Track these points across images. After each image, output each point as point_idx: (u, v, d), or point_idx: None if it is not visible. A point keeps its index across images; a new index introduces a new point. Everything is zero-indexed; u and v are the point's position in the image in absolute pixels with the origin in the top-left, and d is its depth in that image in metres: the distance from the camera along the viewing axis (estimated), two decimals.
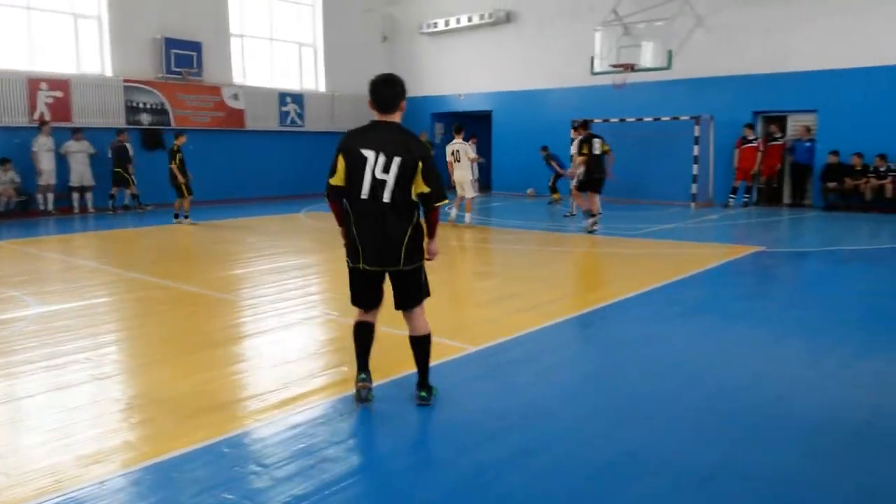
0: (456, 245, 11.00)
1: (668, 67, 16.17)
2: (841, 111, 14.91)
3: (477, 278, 8.24)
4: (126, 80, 16.58)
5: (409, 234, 3.94)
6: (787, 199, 16.35)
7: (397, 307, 4.20)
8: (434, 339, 5.47)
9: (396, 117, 4.01)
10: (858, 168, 14.63)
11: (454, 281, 8.01)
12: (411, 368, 4.68)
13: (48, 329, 5.84)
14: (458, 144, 13.08)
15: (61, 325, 5.99)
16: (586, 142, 12.10)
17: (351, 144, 3.92)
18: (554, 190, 17.53)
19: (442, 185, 4.02)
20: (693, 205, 16.08)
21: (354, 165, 3.87)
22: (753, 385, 4.45)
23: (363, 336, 4.24)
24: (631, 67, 16.49)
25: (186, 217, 13.74)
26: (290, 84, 20.55)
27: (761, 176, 16.09)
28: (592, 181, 12.11)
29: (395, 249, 3.91)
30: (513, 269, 8.83)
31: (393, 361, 4.87)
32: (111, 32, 16.46)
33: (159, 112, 17.25)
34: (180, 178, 13.53)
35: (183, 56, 17.39)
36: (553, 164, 17.33)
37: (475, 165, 13.27)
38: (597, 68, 17.00)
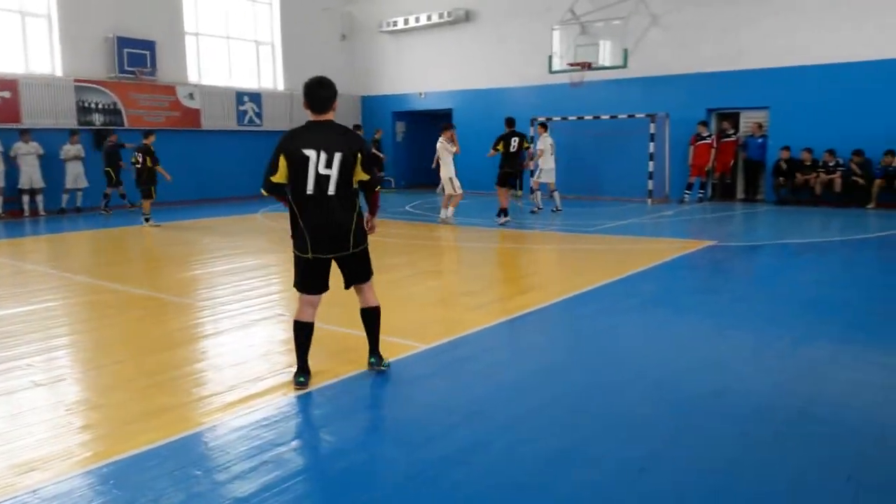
0: (410, 244, 11.00)
1: (624, 66, 16.40)
2: (791, 108, 15.28)
3: (430, 277, 8.26)
4: (77, 80, 16.21)
5: (354, 220, 4.29)
6: (740, 194, 16.71)
7: (348, 286, 4.58)
8: (385, 338, 5.50)
9: (330, 116, 4.28)
10: (808, 163, 15.02)
11: (407, 280, 8.02)
12: (360, 369, 4.71)
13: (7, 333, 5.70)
14: (438, 143, 13.41)
15: (3, 331, 5.84)
16: (505, 139, 12.67)
17: (292, 146, 4.17)
18: (514, 185, 17.61)
19: (375, 171, 4.40)
20: (649, 201, 16.33)
21: (298, 165, 4.14)
22: (694, 377, 4.55)
23: (305, 334, 4.43)
24: (588, 66, 16.68)
25: (148, 220, 13.47)
26: (248, 83, 20.31)
27: (715, 172, 16.41)
28: (507, 176, 12.82)
29: (344, 236, 4.27)
30: (466, 267, 8.87)
31: (342, 362, 4.87)
32: (61, 31, 16.08)
33: (112, 112, 16.90)
34: (158, 179, 13.49)
35: (136, 55, 17.06)
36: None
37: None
38: (554, 67, 17.17)
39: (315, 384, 4.45)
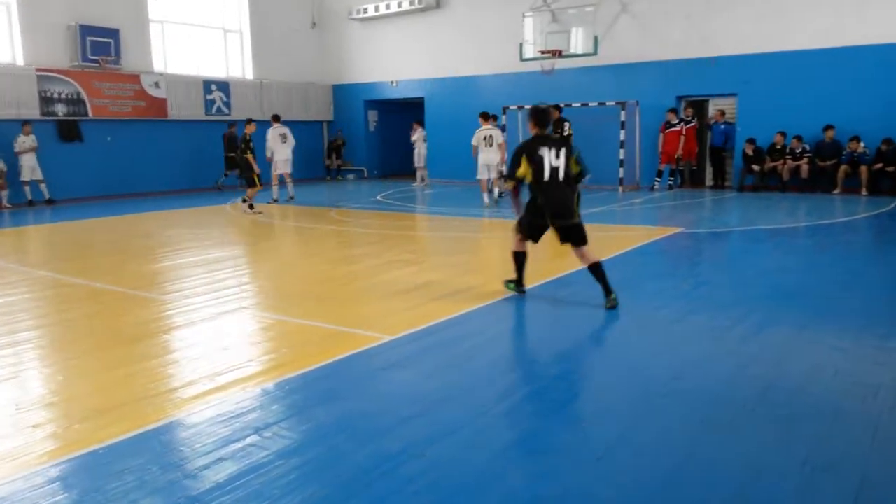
0: (379, 234, 10.93)
1: (595, 53, 16.39)
2: (759, 95, 15.42)
3: (398, 266, 8.20)
4: (39, 70, 15.83)
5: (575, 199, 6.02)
6: (708, 181, 16.86)
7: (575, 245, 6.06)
8: (348, 330, 5.48)
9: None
10: (780, 147, 15.15)
11: (374, 269, 7.96)
12: (322, 361, 4.67)
13: None
14: (491, 130, 13.49)
15: None
16: (560, 125, 13.40)
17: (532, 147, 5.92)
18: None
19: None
20: (620, 189, 16.39)
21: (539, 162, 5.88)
22: (653, 362, 4.57)
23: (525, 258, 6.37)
24: (559, 53, 16.66)
25: (252, 207, 13.49)
26: (216, 71, 20.00)
27: (682, 159, 16.52)
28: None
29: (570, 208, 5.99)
30: (434, 256, 8.83)
31: (303, 354, 4.82)
32: (21, 19, 15.68)
33: (75, 102, 16.54)
34: (255, 169, 13.41)
35: (99, 43, 16.71)
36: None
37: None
38: (526, 55, 17.12)
39: (275, 377, 4.39)
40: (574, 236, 6.01)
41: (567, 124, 13.19)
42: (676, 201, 14.35)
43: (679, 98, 16.77)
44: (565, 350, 4.96)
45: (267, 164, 15.08)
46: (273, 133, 15.09)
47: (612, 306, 5.82)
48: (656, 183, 16.54)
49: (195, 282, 7.58)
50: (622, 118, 16.16)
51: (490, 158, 13.37)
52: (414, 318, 5.72)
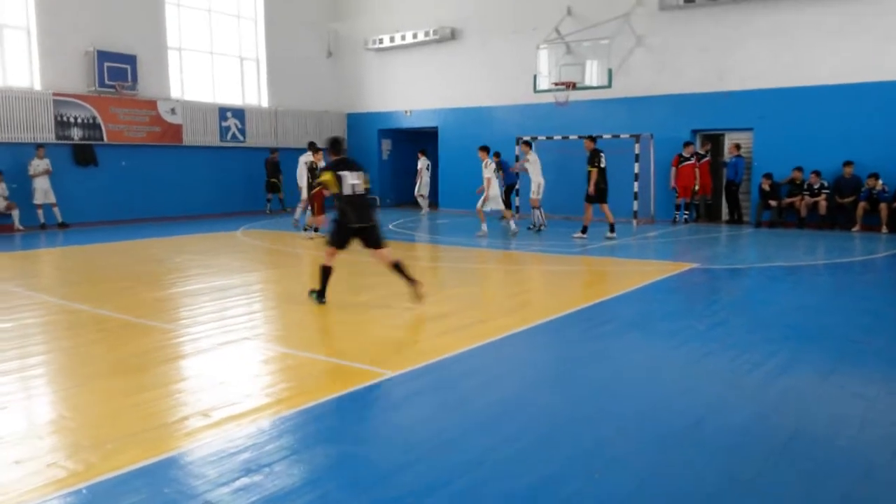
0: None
1: (609, 86, 16.33)
2: (775, 129, 15.25)
3: (404, 299, 8.02)
4: (56, 94, 15.97)
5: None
6: (724, 216, 16.64)
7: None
8: (351, 364, 5.30)
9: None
10: (798, 182, 14.92)
11: (381, 301, 7.79)
12: (317, 399, 4.50)
13: None
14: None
15: None
16: (596, 156, 12.97)
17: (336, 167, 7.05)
18: (507, 205, 17.45)
19: None
20: (635, 222, 16.19)
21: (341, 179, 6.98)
22: (673, 407, 4.34)
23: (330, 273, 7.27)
24: (573, 85, 16.62)
25: (316, 230, 13.42)
26: (232, 99, 20.13)
27: (697, 193, 16.33)
28: (603, 192, 13.12)
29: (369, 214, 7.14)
30: (442, 287, 8.65)
31: (303, 390, 4.63)
32: (40, 44, 15.86)
33: (91, 127, 16.65)
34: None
35: (116, 69, 16.86)
36: (500, 174, 17.27)
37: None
38: (540, 86, 17.09)
39: (272, 414, 4.21)
40: (372, 240, 7.19)
41: (602, 156, 13.05)
42: (692, 236, 14.13)
43: (694, 132, 16.64)
44: (575, 392, 4.74)
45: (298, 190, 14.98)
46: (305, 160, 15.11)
47: (419, 295, 7.09)
48: (676, 216, 16.37)
49: (199, 310, 7.44)
50: (636, 151, 16.03)
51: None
52: (418, 353, 5.54)
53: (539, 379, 5.11)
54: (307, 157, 14.93)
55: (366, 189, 7.28)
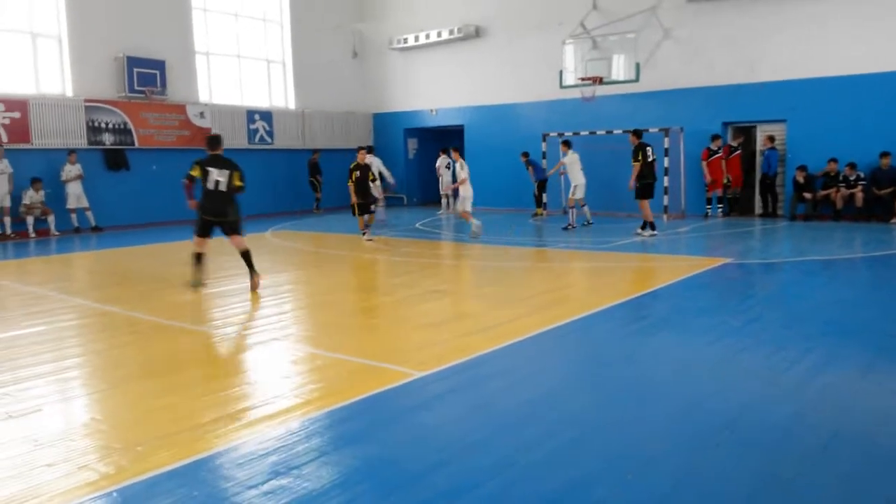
0: (415, 263, 10.76)
1: (637, 80, 16.13)
2: (809, 120, 14.92)
3: (432, 298, 7.99)
4: (87, 100, 16.24)
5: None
6: (758, 209, 16.32)
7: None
8: (379, 365, 5.28)
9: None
10: (833, 174, 14.58)
11: (408, 301, 7.77)
12: (345, 400, 4.48)
13: None
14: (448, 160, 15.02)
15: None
16: (641, 149, 12.62)
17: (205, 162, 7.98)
18: (538, 202, 17.38)
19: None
20: (665, 217, 15.95)
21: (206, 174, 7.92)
22: (707, 406, 4.24)
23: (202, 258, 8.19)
24: (599, 80, 16.44)
25: (363, 234, 12.96)
26: (259, 101, 20.29)
27: (730, 187, 16.05)
28: (649, 187, 12.72)
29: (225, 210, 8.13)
30: (470, 286, 8.59)
31: (332, 391, 4.62)
32: (71, 52, 16.13)
33: (122, 132, 16.90)
34: (354, 199, 12.94)
35: (146, 74, 17.09)
36: (531, 171, 17.21)
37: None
38: (566, 82, 16.94)
39: (301, 416, 4.20)
40: (228, 229, 8.25)
41: (650, 149, 12.74)
42: (724, 231, 13.87)
43: (725, 124, 16.36)
44: (605, 392, 4.66)
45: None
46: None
47: (254, 285, 8.28)
48: (708, 210, 16.11)
49: (228, 311, 7.50)
50: (666, 145, 15.79)
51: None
52: (446, 353, 5.49)
53: (569, 379, 5.04)
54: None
55: (238, 187, 8.11)
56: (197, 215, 8.22)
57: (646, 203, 12.84)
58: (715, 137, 15.78)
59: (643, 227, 12.92)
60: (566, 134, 17.17)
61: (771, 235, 13.16)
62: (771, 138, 15.66)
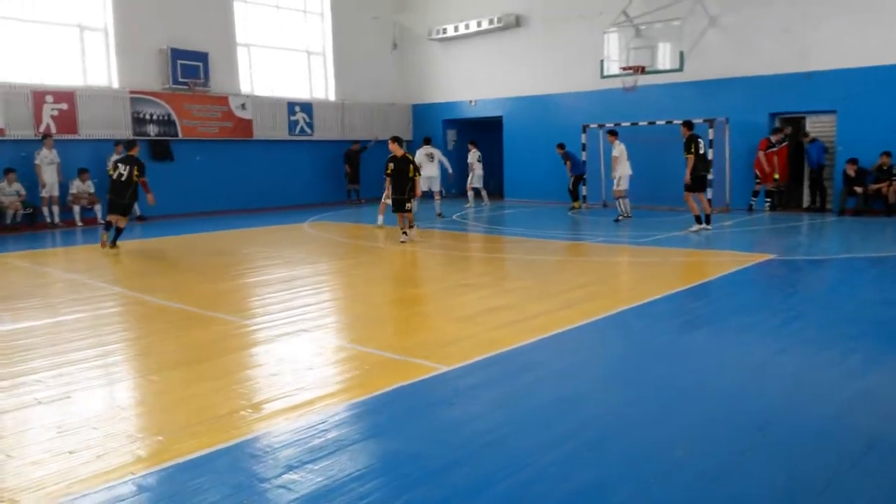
0: (447, 255, 10.69)
1: (681, 69, 15.73)
2: (861, 112, 14.34)
3: (463, 290, 7.91)
4: (132, 92, 16.56)
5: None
6: (805, 202, 15.80)
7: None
8: (404, 359, 5.24)
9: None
10: (886, 167, 14.01)
11: (439, 293, 7.70)
12: (373, 392, 4.44)
13: (30, 345, 5.65)
14: (431, 149, 15.74)
15: (19, 344, 5.80)
16: (693, 141, 12.25)
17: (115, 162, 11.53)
18: (575, 196, 17.14)
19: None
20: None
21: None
22: (739, 408, 4.08)
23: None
24: (642, 70, 16.09)
25: (404, 233, 11.79)
26: (299, 93, 20.43)
27: (778, 180, 15.56)
28: (702, 179, 12.37)
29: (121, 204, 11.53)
30: (503, 279, 8.47)
31: (355, 384, 4.58)
32: (117, 44, 16.46)
33: (166, 123, 17.20)
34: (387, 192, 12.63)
35: (189, 66, 17.34)
36: (568, 166, 16.97)
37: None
38: (607, 71, 16.62)
39: (321, 408, 4.17)
40: (118, 211, 11.39)
41: (700, 141, 12.35)
42: (770, 225, 13.46)
43: (772, 115, 15.85)
44: (634, 391, 4.52)
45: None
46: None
47: (102, 244, 11.32)
48: (753, 203, 15.66)
49: (259, 302, 7.55)
50: (710, 136, 15.38)
51: (432, 172, 15.31)
52: (474, 347, 5.41)
53: (597, 376, 4.91)
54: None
55: (136, 178, 11.38)
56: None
57: (701, 195, 12.43)
58: (776, 130, 15.28)
59: (700, 221, 12.31)
60: (607, 125, 16.91)
61: (818, 231, 12.72)
62: (806, 133, 15.10)
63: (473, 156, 18.66)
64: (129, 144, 11.88)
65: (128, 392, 4.71)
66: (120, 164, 11.45)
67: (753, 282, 8.20)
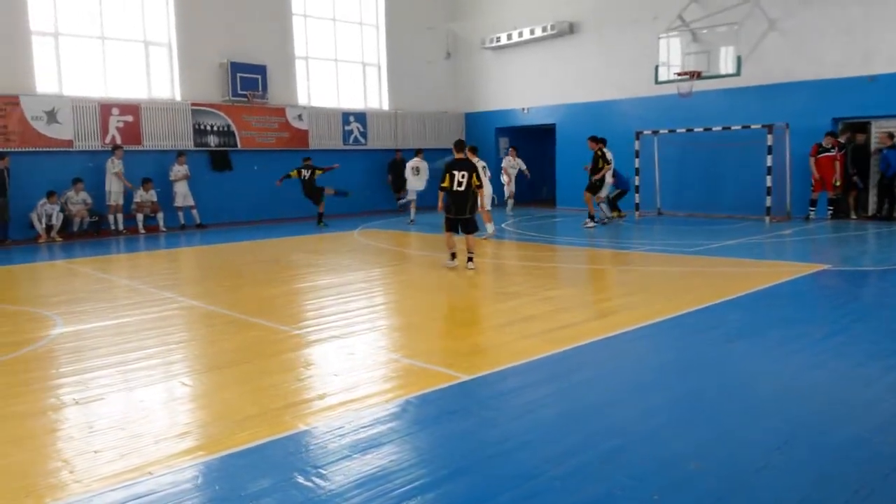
0: (488, 263, 10.67)
1: (738, 74, 15.32)
2: None
3: (499, 298, 7.88)
4: (194, 104, 17.19)
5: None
6: (871, 210, 15.11)
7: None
8: (425, 367, 5.26)
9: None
10: None
11: (474, 301, 7.71)
12: (387, 401, 4.48)
13: (77, 348, 5.95)
14: (419, 162, 16.60)
15: (73, 346, 6.09)
16: (602, 156, 13.89)
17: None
18: (615, 207, 16.81)
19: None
20: (767, 219, 15.06)
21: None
22: (761, 424, 3.95)
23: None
24: (697, 75, 15.75)
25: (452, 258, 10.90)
26: (354, 103, 20.79)
27: (837, 188, 14.91)
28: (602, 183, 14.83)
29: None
30: (540, 288, 8.40)
31: (371, 392, 4.65)
32: (180, 58, 17.13)
33: (226, 134, 17.78)
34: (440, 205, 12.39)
35: (248, 79, 17.88)
36: (613, 181, 16.64)
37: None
38: (661, 77, 16.33)
39: (331, 417, 4.24)
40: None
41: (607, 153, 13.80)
42: (829, 234, 12.94)
43: (835, 120, 15.24)
44: (653, 404, 4.42)
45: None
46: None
47: None
48: (811, 212, 15.08)
49: (298, 308, 7.72)
50: (769, 142, 14.91)
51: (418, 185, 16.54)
52: (497, 357, 5.41)
53: (619, 388, 4.83)
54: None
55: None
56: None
57: (598, 197, 14.21)
58: (829, 135, 14.70)
59: (594, 219, 14.70)
60: (661, 131, 16.60)
61: (882, 240, 12.15)
62: (891, 135, 14.43)
63: (508, 162, 18.71)
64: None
65: (158, 395, 4.88)
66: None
67: (802, 293, 7.90)
